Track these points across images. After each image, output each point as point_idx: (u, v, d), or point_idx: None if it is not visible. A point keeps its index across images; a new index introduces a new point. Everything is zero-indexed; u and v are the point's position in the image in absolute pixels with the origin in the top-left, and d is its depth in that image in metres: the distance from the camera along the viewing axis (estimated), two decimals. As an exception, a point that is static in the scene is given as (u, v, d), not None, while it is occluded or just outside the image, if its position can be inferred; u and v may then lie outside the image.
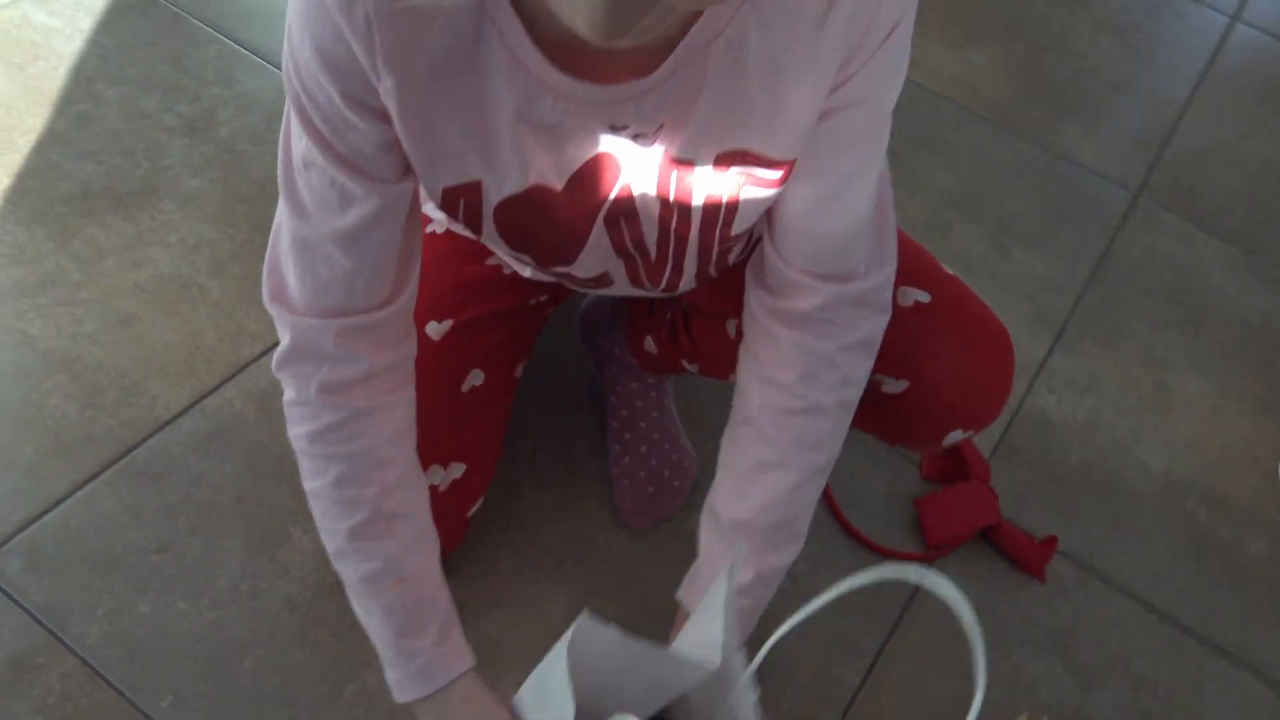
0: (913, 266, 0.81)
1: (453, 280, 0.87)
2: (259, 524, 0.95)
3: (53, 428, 0.98)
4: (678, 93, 0.60)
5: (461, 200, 0.68)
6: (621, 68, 0.59)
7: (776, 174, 0.66)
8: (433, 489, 0.81)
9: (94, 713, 0.82)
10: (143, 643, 0.86)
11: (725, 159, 0.65)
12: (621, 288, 0.80)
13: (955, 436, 0.84)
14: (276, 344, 0.70)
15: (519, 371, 0.93)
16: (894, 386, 0.81)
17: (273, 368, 0.70)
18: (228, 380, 1.04)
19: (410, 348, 0.73)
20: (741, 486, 0.76)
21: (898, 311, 0.77)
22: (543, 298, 0.93)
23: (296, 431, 0.71)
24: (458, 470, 0.84)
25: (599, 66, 0.58)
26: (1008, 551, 1.04)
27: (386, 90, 0.58)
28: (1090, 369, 1.26)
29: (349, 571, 0.71)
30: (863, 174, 0.68)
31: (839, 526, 1.04)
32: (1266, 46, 1.90)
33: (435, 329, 0.85)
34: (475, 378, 0.86)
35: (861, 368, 0.75)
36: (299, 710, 0.85)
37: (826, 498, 1.06)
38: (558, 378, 1.11)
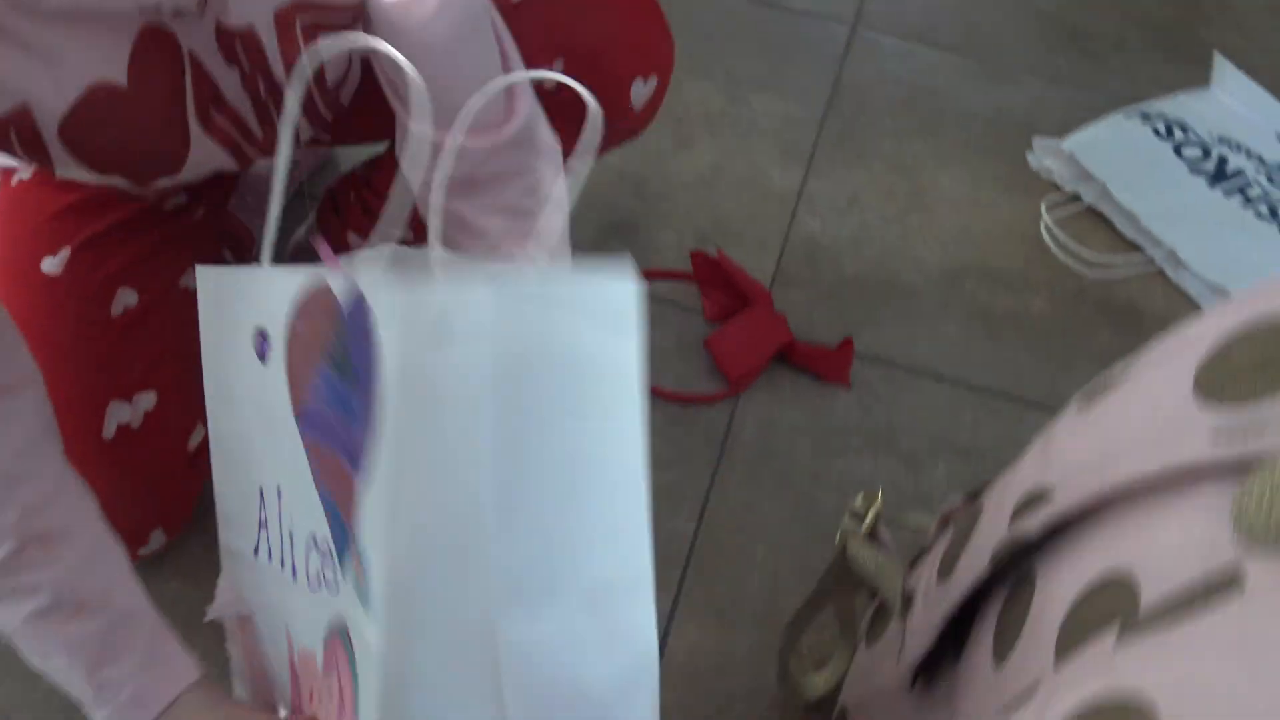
0: None
1: (54, 207, 0.76)
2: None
3: None
4: None
5: (12, 132, 0.59)
6: None
7: (345, 17, 0.62)
8: (124, 429, 0.71)
9: None
10: None
11: (285, 14, 0.60)
12: (232, 169, 0.73)
13: (640, 90, 0.83)
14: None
15: (193, 283, 0.82)
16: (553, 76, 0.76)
17: None
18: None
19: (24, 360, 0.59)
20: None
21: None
22: (181, 199, 0.83)
23: None
24: (147, 400, 0.74)
25: None
26: (809, 366, 1.01)
27: None
28: (847, 189, 1.25)
29: (11, 617, 0.56)
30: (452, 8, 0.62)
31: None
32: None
33: (52, 264, 0.74)
34: (126, 297, 0.76)
35: (548, 173, 0.70)
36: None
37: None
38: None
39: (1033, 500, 0.47)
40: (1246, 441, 0.36)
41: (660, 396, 0.97)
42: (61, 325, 0.73)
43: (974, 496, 0.73)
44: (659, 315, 1.05)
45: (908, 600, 0.60)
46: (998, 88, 1.45)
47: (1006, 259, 1.19)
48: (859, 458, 0.96)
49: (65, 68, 0.57)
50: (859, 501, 0.76)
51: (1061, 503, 0.44)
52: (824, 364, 1.00)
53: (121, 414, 0.73)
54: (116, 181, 0.69)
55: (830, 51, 1.46)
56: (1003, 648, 0.48)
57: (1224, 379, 0.40)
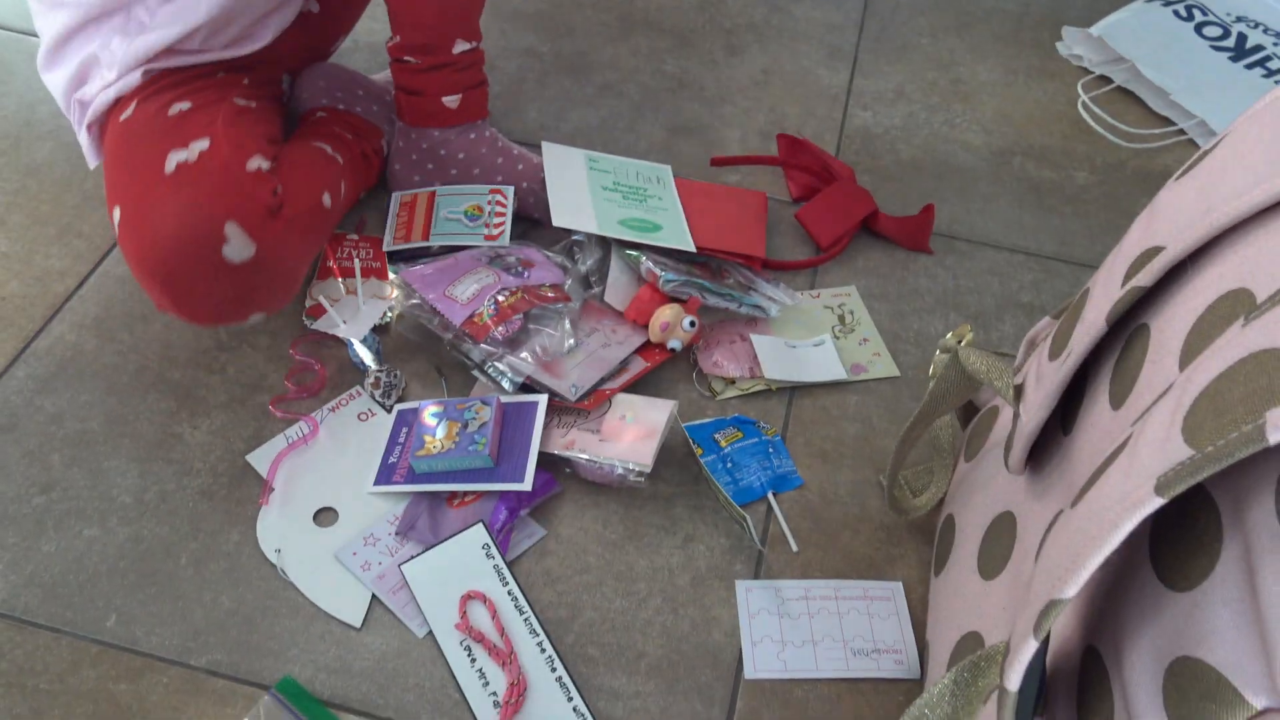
0: None
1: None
2: (141, 436, 0.87)
3: (-128, 422, 0.87)
4: None
5: None
6: None
7: None
8: (182, 165, 0.83)
9: (35, 657, 0.74)
10: (60, 578, 0.79)
11: None
12: None
13: None
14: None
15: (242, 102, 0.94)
16: None
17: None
18: (50, 320, 0.95)
19: None
20: None
21: None
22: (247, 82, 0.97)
23: None
24: (201, 144, 0.85)
25: None
26: (892, 234, 1.08)
27: None
28: (892, 83, 1.32)
29: None
30: None
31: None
32: None
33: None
34: (181, 105, 0.89)
35: None
36: (254, 580, 0.80)
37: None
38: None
39: (1144, 259, 0.54)
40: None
41: (763, 264, 1.05)
42: (131, 124, 0.87)
43: (1059, 315, 0.82)
44: (733, 203, 1.13)
45: (1018, 390, 0.68)
46: (1022, -15, 1.51)
47: (1048, 138, 1.26)
48: (931, 317, 1.04)
49: None
50: (949, 337, 0.84)
51: (1174, 249, 0.51)
52: (907, 230, 1.08)
53: (179, 156, 0.83)
54: None
55: (860, -39, 1.53)
56: (1120, 392, 0.56)
57: (1315, 118, 0.47)
